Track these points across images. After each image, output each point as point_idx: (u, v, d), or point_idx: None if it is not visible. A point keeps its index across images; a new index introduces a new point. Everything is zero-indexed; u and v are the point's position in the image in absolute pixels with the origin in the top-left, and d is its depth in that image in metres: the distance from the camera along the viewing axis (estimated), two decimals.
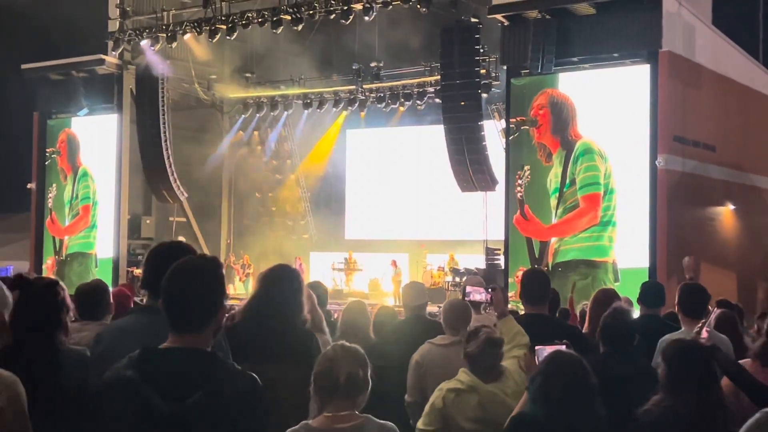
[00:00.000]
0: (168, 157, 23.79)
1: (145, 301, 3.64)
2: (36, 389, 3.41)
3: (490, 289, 5.31)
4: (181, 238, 23.99)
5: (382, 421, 3.35)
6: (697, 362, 3.90)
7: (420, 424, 4.41)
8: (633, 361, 4.63)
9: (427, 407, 4.43)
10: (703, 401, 3.78)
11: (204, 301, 2.75)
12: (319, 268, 26.52)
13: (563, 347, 3.94)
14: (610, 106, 16.58)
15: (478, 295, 5.41)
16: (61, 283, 4.00)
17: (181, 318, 2.74)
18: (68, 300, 3.97)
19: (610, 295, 6.08)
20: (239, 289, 24.69)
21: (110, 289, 5.55)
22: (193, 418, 2.59)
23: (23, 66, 24.78)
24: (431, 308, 6.95)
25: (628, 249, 16.09)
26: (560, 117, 17.04)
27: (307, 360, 3.65)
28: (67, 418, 3.62)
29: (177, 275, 2.77)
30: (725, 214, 18.21)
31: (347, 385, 3.27)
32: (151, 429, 2.60)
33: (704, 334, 4.90)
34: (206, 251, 27.10)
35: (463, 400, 4.31)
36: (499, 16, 17.65)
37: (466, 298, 5.46)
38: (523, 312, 5.64)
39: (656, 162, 15.85)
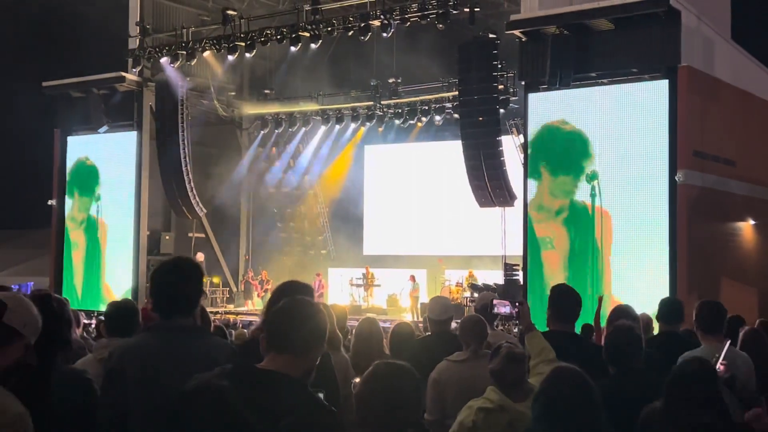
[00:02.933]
0: (187, 173, 23.92)
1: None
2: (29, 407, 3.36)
3: (517, 303, 5.26)
4: (200, 254, 24.12)
5: None
6: (695, 388, 3.78)
7: None
8: (643, 381, 4.48)
9: (455, 425, 4.36)
10: (698, 424, 3.68)
11: (303, 329, 2.94)
12: (337, 284, 26.54)
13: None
14: (629, 121, 16.52)
15: (504, 308, 5.36)
16: (59, 296, 3.95)
17: (280, 339, 2.91)
18: (69, 314, 3.94)
19: (622, 312, 6.01)
20: (258, 305, 24.70)
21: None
22: None
23: (44, 83, 25.02)
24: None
25: (647, 264, 15.98)
26: None
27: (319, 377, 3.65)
28: None
29: (285, 307, 3.00)
30: (746, 229, 18.07)
31: (392, 425, 3.11)
32: None
33: (720, 367, 4.80)
34: (225, 267, 27.24)
35: (493, 420, 4.25)
36: (517, 32, 17.64)
37: (492, 311, 5.43)
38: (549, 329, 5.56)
39: (676, 177, 15.77)
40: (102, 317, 5.43)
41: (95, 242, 24.27)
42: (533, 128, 17.62)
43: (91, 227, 24.37)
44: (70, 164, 24.99)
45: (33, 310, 3.09)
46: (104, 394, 3.56)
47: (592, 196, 16.80)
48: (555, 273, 16.86)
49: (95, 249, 24.26)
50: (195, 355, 3.40)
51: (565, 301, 5.44)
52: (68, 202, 24.94)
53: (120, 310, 5.30)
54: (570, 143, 17.13)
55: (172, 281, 3.57)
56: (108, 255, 23.97)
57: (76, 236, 24.68)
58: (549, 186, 17.30)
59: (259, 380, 2.76)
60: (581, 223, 16.95)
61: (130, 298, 5.41)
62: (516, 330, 6.60)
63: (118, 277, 23.69)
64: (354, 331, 6.29)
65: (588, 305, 6.47)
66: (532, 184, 17.55)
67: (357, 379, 3.35)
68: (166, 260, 3.73)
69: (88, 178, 24.56)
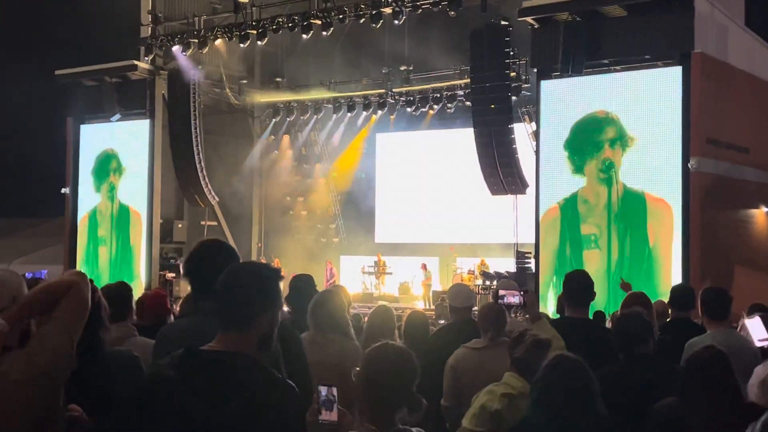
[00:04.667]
0: (199, 162, 24.00)
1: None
2: (81, 393, 3.42)
3: (522, 292, 5.29)
4: None
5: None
6: (712, 371, 3.80)
7: (468, 424, 4.37)
8: (653, 366, 4.51)
9: (475, 408, 4.39)
10: (716, 410, 3.69)
11: (245, 301, 2.77)
12: (349, 272, 26.60)
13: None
14: (642, 108, 16.44)
15: (512, 297, 5.40)
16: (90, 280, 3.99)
17: (223, 315, 2.77)
18: (103, 300, 3.98)
19: (634, 299, 6.04)
20: None
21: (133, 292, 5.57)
22: (229, 425, 2.60)
23: (57, 72, 25.08)
24: None
25: (658, 251, 15.93)
26: None
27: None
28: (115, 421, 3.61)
29: (230, 272, 2.84)
30: (759, 216, 17.99)
31: (395, 398, 3.13)
32: (186, 431, 2.62)
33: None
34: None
35: (515, 405, 4.27)
36: (529, 19, 17.57)
37: (499, 301, 5.45)
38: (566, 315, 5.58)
39: (689, 164, 15.70)
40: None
41: (126, 235, 24.12)
42: (570, 121, 17.20)
43: (123, 217, 24.26)
44: (90, 154, 24.94)
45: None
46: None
47: (609, 185, 16.69)
48: (598, 272, 16.16)
49: (126, 242, 24.14)
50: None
51: (577, 286, 5.49)
52: (95, 197, 24.76)
53: (114, 293, 5.18)
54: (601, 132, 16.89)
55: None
56: (141, 245, 23.87)
57: (104, 231, 24.54)
58: (592, 181, 16.92)
59: (206, 364, 2.67)
60: (632, 216, 16.40)
61: (124, 281, 5.39)
62: (521, 318, 6.65)
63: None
64: (367, 319, 6.32)
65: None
66: (577, 180, 17.16)
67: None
68: (203, 242, 3.71)
69: (111, 168, 24.57)
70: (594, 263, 16.39)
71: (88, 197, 24.88)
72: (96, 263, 24.48)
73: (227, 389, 2.63)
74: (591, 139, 16.89)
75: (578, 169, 16.98)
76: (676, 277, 15.00)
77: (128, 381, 3.65)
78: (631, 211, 16.35)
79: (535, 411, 3.57)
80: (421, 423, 3.37)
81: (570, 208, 17.07)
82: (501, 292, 5.51)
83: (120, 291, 5.35)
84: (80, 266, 24.31)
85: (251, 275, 2.84)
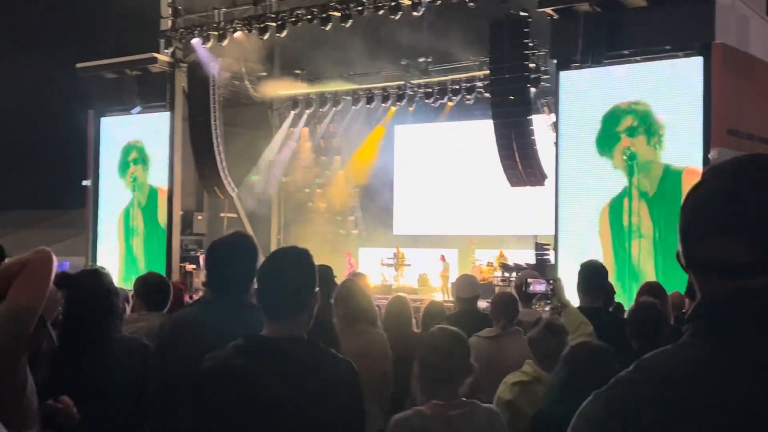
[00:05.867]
0: (219, 154, 24.11)
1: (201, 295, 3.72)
2: (88, 376, 3.47)
3: (551, 281, 5.32)
4: None
5: (486, 405, 3.49)
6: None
7: None
8: None
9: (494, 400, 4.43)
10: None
11: (296, 289, 2.82)
12: (368, 264, 26.63)
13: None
14: (662, 99, 16.36)
15: (540, 286, 5.43)
16: (105, 270, 4.03)
17: (275, 305, 2.81)
18: (117, 287, 4.02)
19: (649, 289, 6.04)
20: None
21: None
22: (314, 406, 2.67)
23: (78, 65, 25.25)
24: (481, 304, 6.96)
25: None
26: None
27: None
28: (121, 406, 3.67)
29: (270, 265, 2.88)
30: None
31: (456, 372, 3.39)
32: (273, 418, 2.66)
33: None
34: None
35: (529, 391, 4.31)
36: (548, 10, 17.50)
37: (527, 289, 5.48)
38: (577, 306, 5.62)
39: (709, 155, 15.61)
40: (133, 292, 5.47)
41: (155, 223, 24.23)
42: (592, 112, 17.11)
43: (151, 203, 24.40)
44: (111, 147, 25.06)
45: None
46: (154, 366, 3.62)
47: (630, 174, 16.62)
48: (644, 263, 16.28)
49: (154, 227, 24.27)
50: (247, 331, 3.41)
51: (592, 276, 5.54)
52: (123, 190, 24.83)
53: (149, 285, 5.31)
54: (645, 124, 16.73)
55: (227, 257, 3.55)
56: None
57: (136, 223, 24.65)
58: (639, 174, 16.77)
59: (270, 350, 2.72)
60: (666, 198, 16.24)
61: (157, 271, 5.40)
62: (548, 309, 6.68)
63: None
64: (384, 309, 6.36)
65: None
66: (598, 170, 17.01)
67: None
68: (224, 237, 3.73)
69: (136, 159, 24.68)
70: (643, 253, 16.39)
71: (108, 187, 25.02)
72: (131, 254, 24.64)
73: (297, 371, 2.70)
74: (612, 133, 16.83)
75: (604, 152, 16.89)
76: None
77: (135, 367, 3.70)
78: (665, 191, 16.23)
79: (558, 398, 3.58)
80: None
81: (617, 204, 16.95)
82: (529, 280, 5.55)
83: (157, 282, 5.40)
84: (102, 258, 24.52)
85: (291, 265, 2.87)
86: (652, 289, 6.00)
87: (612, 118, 16.93)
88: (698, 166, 15.69)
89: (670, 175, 16.25)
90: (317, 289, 2.87)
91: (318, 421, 2.67)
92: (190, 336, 3.36)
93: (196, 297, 9.33)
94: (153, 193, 24.17)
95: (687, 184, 15.69)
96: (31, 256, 3.02)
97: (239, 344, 2.75)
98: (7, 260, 3.20)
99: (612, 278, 16.14)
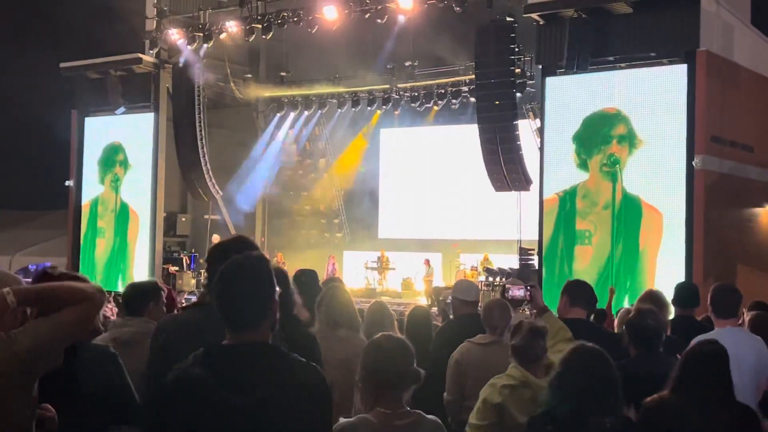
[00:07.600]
0: (203, 156, 24.06)
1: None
2: (51, 386, 3.40)
3: (529, 287, 5.35)
4: (216, 236, 24.24)
5: (431, 417, 3.41)
6: (709, 365, 3.80)
7: (473, 419, 4.42)
8: (663, 363, 4.51)
9: (479, 403, 4.44)
10: (707, 405, 3.69)
11: (254, 299, 2.78)
12: (352, 267, 26.62)
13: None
14: (647, 105, 16.43)
15: (518, 291, 5.46)
16: (78, 273, 3.97)
17: (235, 317, 2.77)
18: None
19: (651, 297, 6.04)
20: None
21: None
22: (266, 411, 2.65)
23: (62, 64, 25.10)
24: None
25: (664, 251, 15.92)
26: None
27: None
28: (85, 415, 3.61)
29: (225, 277, 2.81)
30: (763, 215, 17.98)
31: (402, 379, 3.31)
32: (225, 425, 2.64)
33: None
34: None
35: (517, 395, 4.33)
36: (534, 15, 17.55)
37: (506, 294, 5.50)
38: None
39: (693, 162, 15.69)
40: (119, 297, 5.45)
41: (124, 231, 24.13)
42: (578, 117, 17.17)
43: (123, 214, 24.23)
44: (94, 147, 24.92)
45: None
46: (150, 368, 3.59)
47: (614, 180, 16.67)
48: (586, 269, 16.43)
49: (123, 237, 24.15)
50: None
51: (579, 290, 5.58)
52: (99, 188, 24.76)
53: (136, 291, 5.29)
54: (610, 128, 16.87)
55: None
56: (137, 242, 23.87)
57: (104, 223, 24.55)
58: (595, 176, 16.88)
59: (230, 358, 2.70)
60: (628, 219, 16.41)
61: (152, 279, 5.37)
62: (528, 314, 6.71)
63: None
64: (365, 314, 6.33)
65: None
66: (581, 174, 17.10)
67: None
68: (230, 262, 3.67)
69: (117, 160, 24.57)
70: (583, 259, 16.50)
71: (92, 187, 24.87)
72: (92, 254, 24.53)
73: (256, 378, 2.68)
74: (600, 133, 16.86)
75: (583, 164, 16.96)
76: (658, 284, 14.90)
77: (102, 377, 3.65)
78: (629, 213, 16.35)
79: (558, 395, 3.57)
80: (427, 413, 3.43)
81: (569, 200, 17.07)
82: (507, 286, 5.58)
83: (140, 288, 5.37)
84: (81, 257, 24.39)
85: (247, 277, 2.80)
86: (653, 297, 6.00)
87: (594, 124, 16.98)
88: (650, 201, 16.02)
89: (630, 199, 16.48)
90: (277, 296, 2.81)
91: (278, 426, 2.65)
92: (185, 339, 3.33)
93: (180, 299, 9.28)
94: (125, 208, 24.11)
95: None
96: (95, 294, 2.91)
97: (198, 354, 2.74)
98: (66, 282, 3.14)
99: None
